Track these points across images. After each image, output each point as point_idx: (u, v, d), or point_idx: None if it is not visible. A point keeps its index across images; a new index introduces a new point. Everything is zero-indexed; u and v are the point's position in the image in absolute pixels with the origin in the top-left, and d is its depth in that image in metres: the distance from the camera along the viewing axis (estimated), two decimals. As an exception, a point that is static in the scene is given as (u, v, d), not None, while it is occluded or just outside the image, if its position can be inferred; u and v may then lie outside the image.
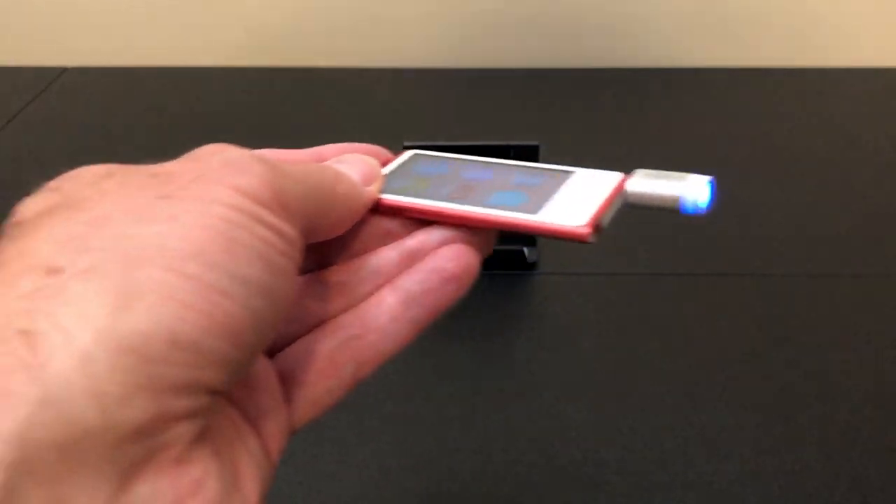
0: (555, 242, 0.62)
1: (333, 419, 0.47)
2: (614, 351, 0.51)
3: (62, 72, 0.92)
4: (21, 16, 0.94)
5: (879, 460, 0.44)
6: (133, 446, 0.18)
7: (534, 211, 0.28)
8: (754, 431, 0.46)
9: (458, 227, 0.28)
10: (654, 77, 0.88)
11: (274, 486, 0.23)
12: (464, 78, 0.89)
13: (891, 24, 0.89)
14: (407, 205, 0.28)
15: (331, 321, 0.27)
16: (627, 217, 0.64)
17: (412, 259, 0.27)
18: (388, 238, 0.28)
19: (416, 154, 0.34)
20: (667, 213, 0.29)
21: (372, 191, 0.27)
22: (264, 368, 0.25)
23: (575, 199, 0.29)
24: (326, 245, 0.26)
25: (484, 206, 0.28)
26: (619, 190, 0.30)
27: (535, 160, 0.55)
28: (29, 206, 0.22)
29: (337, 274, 0.27)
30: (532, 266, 0.58)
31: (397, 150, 0.60)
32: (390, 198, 0.29)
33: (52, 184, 0.23)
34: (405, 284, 0.27)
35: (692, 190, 0.28)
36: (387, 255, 0.27)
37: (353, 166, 0.27)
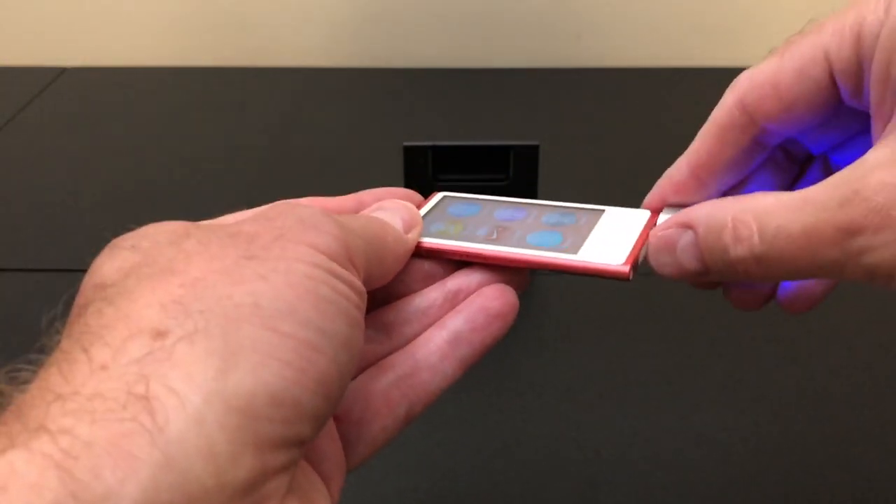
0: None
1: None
2: (614, 351, 0.51)
3: (62, 72, 0.92)
4: (21, 16, 0.94)
5: (879, 460, 0.44)
6: (241, 503, 0.19)
7: (573, 251, 0.30)
8: (754, 431, 0.46)
9: (496, 268, 0.30)
10: (653, 77, 0.88)
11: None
12: (464, 78, 0.89)
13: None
14: (447, 248, 0.30)
15: (382, 361, 0.28)
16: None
17: (455, 299, 0.29)
18: (428, 279, 0.29)
19: (446, 196, 0.35)
20: None
21: (413, 237, 0.29)
22: None
23: (610, 239, 0.31)
24: (373, 289, 0.27)
25: (523, 247, 0.30)
26: (651, 227, 0.31)
27: (535, 160, 0.56)
28: (111, 266, 0.22)
29: (383, 315, 0.29)
30: (532, 266, 0.58)
31: (397, 149, 0.60)
32: (430, 241, 0.30)
33: (127, 242, 0.23)
34: (453, 324, 0.28)
35: None
36: (431, 296, 0.29)
37: (394, 214, 0.29)
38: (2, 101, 0.85)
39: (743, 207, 0.25)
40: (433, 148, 0.55)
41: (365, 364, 0.27)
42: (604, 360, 0.51)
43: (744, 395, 0.48)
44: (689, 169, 0.31)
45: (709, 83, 0.86)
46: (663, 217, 0.31)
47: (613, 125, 0.79)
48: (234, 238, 0.22)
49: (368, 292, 0.25)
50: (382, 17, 0.91)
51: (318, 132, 0.80)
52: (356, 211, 0.30)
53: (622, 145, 0.75)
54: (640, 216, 0.32)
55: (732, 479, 0.43)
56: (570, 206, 0.34)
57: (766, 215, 0.24)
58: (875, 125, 0.25)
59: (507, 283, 0.29)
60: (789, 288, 0.31)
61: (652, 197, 0.32)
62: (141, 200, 0.66)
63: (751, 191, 0.31)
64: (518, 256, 0.29)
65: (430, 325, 0.29)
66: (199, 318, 0.20)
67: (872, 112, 0.25)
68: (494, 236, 0.31)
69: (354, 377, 0.27)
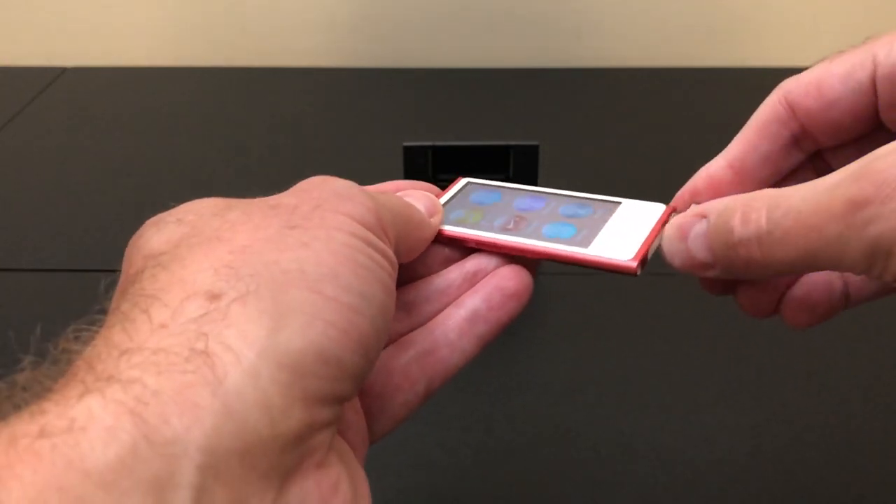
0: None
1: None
2: (614, 351, 0.51)
3: (62, 72, 0.92)
4: (21, 16, 0.94)
5: (879, 460, 0.44)
6: (291, 453, 0.20)
7: (584, 245, 0.31)
8: (754, 431, 0.46)
9: (512, 256, 0.31)
10: (653, 77, 0.88)
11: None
12: (464, 78, 0.89)
13: (890, 24, 0.89)
14: (465, 236, 0.31)
15: (402, 338, 0.29)
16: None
17: (473, 279, 0.30)
18: (447, 263, 0.31)
19: (469, 183, 0.36)
20: None
21: (436, 222, 0.30)
22: None
23: (623, 233, 0.32)
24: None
25: (538, 238, 0.31)
26: (665, 222, 0.32)
27: (535, 160, 0.56)
28: (159, 238, 0.24)
29: (405, 294, 0.30)
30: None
31: (397, 149, 0.60)
32: (450, 229, 0.31)
33: (172, 217, 0.25)
34: (471, 303, 0.29)
35: None
36: (449, 277, 0.30)
37: (417, 200, 0.30)
38: (2, 101, 0.85)
39: (756, 196, 0.26)
40: (433, 148, 0.55)
41: (387, 341, 0.27)
42: (604, 360, 0.51)
43: (744, 395, 0.48)
44: (726, 161, 0.32)
45: (709, 83, 0.86)
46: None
47: (613, 125, 0.79)
48: (275, 209, 0.24)
49: None
50: (382, 17, 0.91)
51: (319, 132, 0.80)
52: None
53: (622, 145, 0.75)
54: (654, 210, 0.33)
55: (732, 478, 0.43)
56: (588, 196, 0.35)
57: (777, 198, 0.25)
58: None
59: (523, 266, 0.30)
60: (795, 296, 0.31)
61: (684, 191, 0.33)
62: (141, 200, 0.66)
63: None
64: (532, 248, 0.30)
65: (448, 303, 0.30)
66: (249, 281, 0.21)
67: None
68: (511, 226, 0.32)
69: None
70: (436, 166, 0.56)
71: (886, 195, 0.22)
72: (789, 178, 0.32)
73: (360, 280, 0.23)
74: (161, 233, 0.24)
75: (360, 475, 0.24)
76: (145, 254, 0.23)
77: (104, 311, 0.23)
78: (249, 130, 0.80)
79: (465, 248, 0.31)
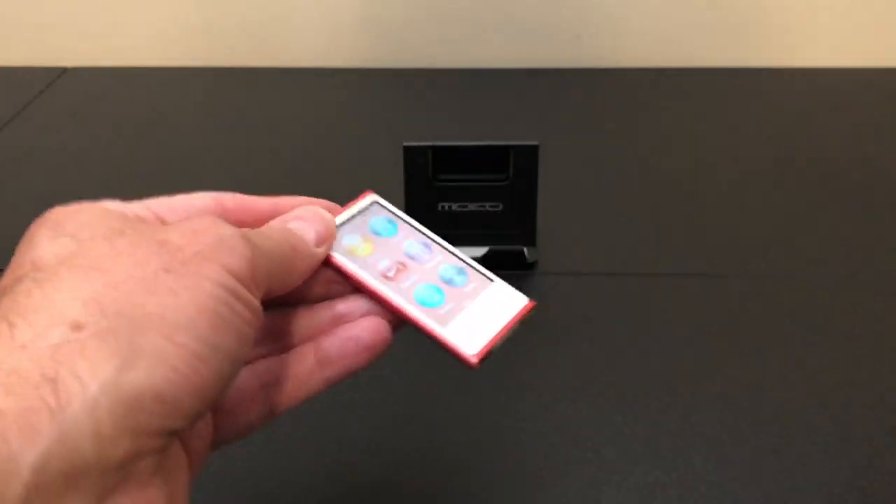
0: (554, 242, 0.62)
1: (328, 424, 0.47)
2: (614, 351, 0.51)
3: (62, 72, 0.92)
4: (22, 16, 0.94)
5: (878, 459, 0.44)
6: (112, 475, 0.22)
7: (443, 323, 0.34)
8: (753, 431, 0.46)
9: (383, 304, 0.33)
10: (653, 77, 0.88)
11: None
12: (464, 78, 0.90)
13: (890, 24, 0.89)
14: (348, 272, 0.33)
15: (260, 361, 0.32)
16: (627, 217, 0.65)
17: (340, 321, 0.32)
18: (330, 285, 0.33)
19: (375, 203, 0.37)
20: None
21: (323, 252, 0.32)
22: None
23: (480, 320, 0.35)
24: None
25: (408, 300, 0.33)
26: (523, 316, 0.35)
27: (535, 160, 0.56)
28: (50, 251, 0.26)
29: (276, 320, 0.32)
30: (532, 266, 0.58)
31: (397, 149, 0.60)
32: (338, 259, 0.33)
33: (69, 229, 0.27)
34: (327, 346, 0.32)
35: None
36: (320, 315, 0.33)
37: (310, 224, 0.32)
38: (3, 101, 0.86)
39: None
40: (433, 148, 0.55)
41: (245, 362, 0.29)
42: (604, 360, 0.51)
43: (743, 396, 0.48)
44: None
45: (709, 83, 0.86)
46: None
47: (613, 125, 0.79)
48: (161, 247, 0.26)
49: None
50: (382, 17, 0.91)
51: (319, 132, 0.80)
52: (271, 215, 0.33)
53: (622, 145, 0.75)
54: (517, 302, 0.36)
55: (732, 478, 0.43)
56: (470, 263, 0.36)
57: None
58: None
59: (388, 319, 0.32)
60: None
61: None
62: (142, 200, 0.66)
63: None
64: (400, 308, 0.33)
65: (311, 339, 0.32)
66: (112, 319, 0.23)
67: None
68: (391, 274, 0.34)
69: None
70: (436, 166, 0.56)
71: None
72: None
73: (215, 331, 0.25)
74: (53, 244, 0.26)
75: (181, 496, 0.26)
76: (33, 258, 0.26)
77: None
78: (250, 130, 0.80)
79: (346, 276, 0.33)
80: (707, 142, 0.75)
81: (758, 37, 0.90)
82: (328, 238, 0.32)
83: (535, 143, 0.55)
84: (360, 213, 0.36)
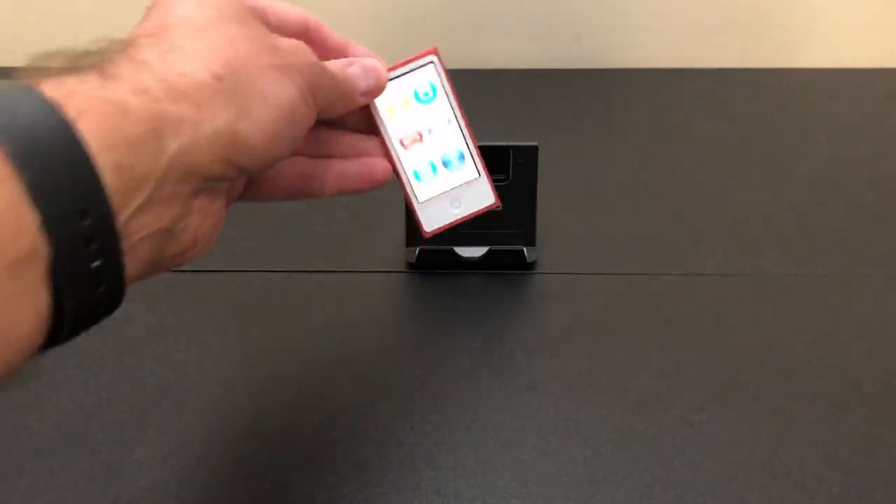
0: (554, 242, 0.62)
1: (341, 426, 0.47)
2: (614, 351, 0.52)
3: (63, 72, 0.92)
4: (24, 17, 0.94)
5: (878, 460, 0.44)
6: (206, 183, 0.31)
7: (419, 197, 0.45)
8: (753, 431, 0.46)
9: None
10: (653, 77, 0.88)
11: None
12: (464, 78, 0.89)
13: (890, 24, 0.89)
14: (376, 124, 0.43)
15: (298, 157, 0.40)
16: (627, 217, 0.65)
17: (364, 152, 0.43)
18: (360, 123, 0.43)
19: (431, 63, 0.45)
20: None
21: (363, 102, 0.41)
22: None
23: (448, 205, 0.46)
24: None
25: (405, 168, 0.44)
26: (484, 211, 0.46)
27: (535, 160, 0.56)
28: (191, 10, 0.34)
29: (320, 132, 0.41)
30: (531, 266, 0.58)
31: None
32: (374, 109, 0.43)
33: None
34: (349, 167, 0.42)
35: None
36: (352, 142, 0.43)
37: (365, 77, 0.41)
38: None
39: None
40: None
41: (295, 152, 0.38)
42: (604, 360, 0.51)
43: (743, 395, 0.48)
44: None
45: (709, 83, 0.86)
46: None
47: (613, 125, 0.79)
48: (273, 49, 0.35)
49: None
50: (382, 17, 0.92)
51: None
52: (339, 51, 0.42)
53: (622, 145, 0.75)
54: (486, 200, 0.47)
55: (732, 478, 0.43)
56: (471, 152, 0.46)
57: None
58: None
59: (393, 169, 0.43)
60: None
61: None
62: None
63: None
64: (397, 171, 0.44)
65: (338, 156, 0.42)
66: (238, 83, 0.32)
67: None
68: (406, 143, 0.44)
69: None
70: (436, 166, 0.56)
71: None
72: None
73: (290, 119, 0.34)
74: (197, 7, 0.34)
75: (224, 211, 0.35)
76: (180, 13, 0.33)
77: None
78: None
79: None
80: (707, 142, 0.75)
81: (758, 37, 0.90)
82: (374, 93, 0.41)
83: (534, 143, 0.56)
84: (413, 70, 0.45)
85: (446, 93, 0.45)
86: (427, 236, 0.46)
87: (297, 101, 0.35)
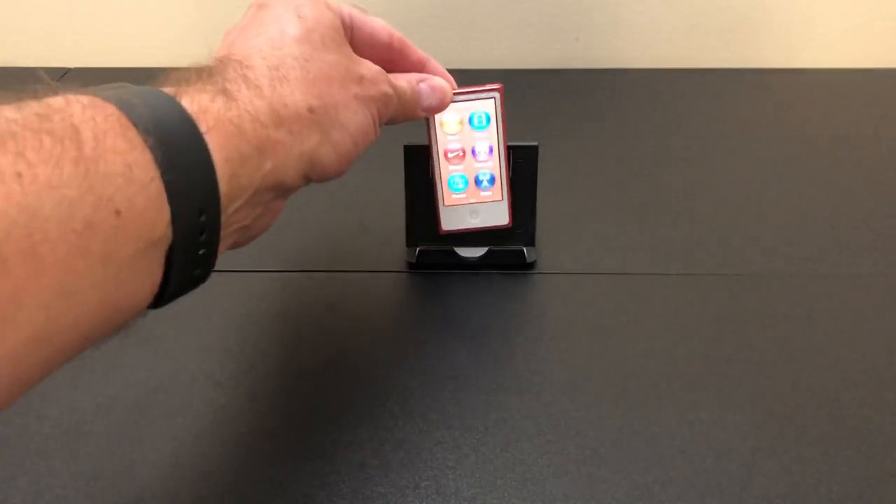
0: (554, 242, 0.62)
1: (341, 426, 0.47)
2: (614, 351, 0.52)
3: (66, 72, 0.92)
4: (25, 17, 0.95)
5: (878, 460, 0.44)
6: (281, 190, 0.38)
7: (445, 202, 0.54)
8: (754, 431, 0.46)
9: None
10: (654, 77, 0.88)
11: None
12: (464, 78, 0.89)
13: (889, 24, 0.89)
14: (428, 133, 0.52)
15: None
16: (627, 217, 0.65)
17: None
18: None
19: (493, 98, 0.52)
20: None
21: (422, 115, 0.48)
22: None
23: (468, 215, 0.55)
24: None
25: (442, 176, 0.53)
26: (498, 227, 0.56)
27: (535, 160, 0.56)
28: (294, 31, 0.41)
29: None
30: (531, 266, 0.58)
31: (397, 149, 0.60)
32: (431, 121, 0.51)
33: (304, 11, 0.42)
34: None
35: None
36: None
37: (432, 96, 0.48)
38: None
39: None
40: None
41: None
42: (604, 360, 0.51)
43: (743, 395, 0.48)
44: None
45: (708, 84, 0.86)
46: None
47: (613, 125, 0.79)
48: (359, 79, 0.42)
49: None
50: (382, 17, 0.92)
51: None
52: (416, 66, 0.48)
53: (622, 145, 0.75)
54: (500, 219, 0.55)
55: (732, 478, 0.43)
56: (502, 180, 0.53)
57: None
58: None
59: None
60: None
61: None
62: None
63: None
64: (435, 180, 0.53)
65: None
66: (326, 114, 0.39)
67: None
68: (451, 157, 0.52)
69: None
70: (436, 166, 0.56)
71: None
72: None
73: (364, 143, 0.42)
74: (296, 27, 0.40)
75: (281, 209, 0.41)
76: (288, 34, 0.40)
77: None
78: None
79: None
80: (707, 142, 0.75)
81: (758, 37, 0.90)
82: (435, 111, 0.48)
83: (534, 143, 0.56)
84: (476, 97, 0.51)
85: (497, 126, 0.52)
86: (441, 233, 0.54)
87: (370, 128, 0.42)
